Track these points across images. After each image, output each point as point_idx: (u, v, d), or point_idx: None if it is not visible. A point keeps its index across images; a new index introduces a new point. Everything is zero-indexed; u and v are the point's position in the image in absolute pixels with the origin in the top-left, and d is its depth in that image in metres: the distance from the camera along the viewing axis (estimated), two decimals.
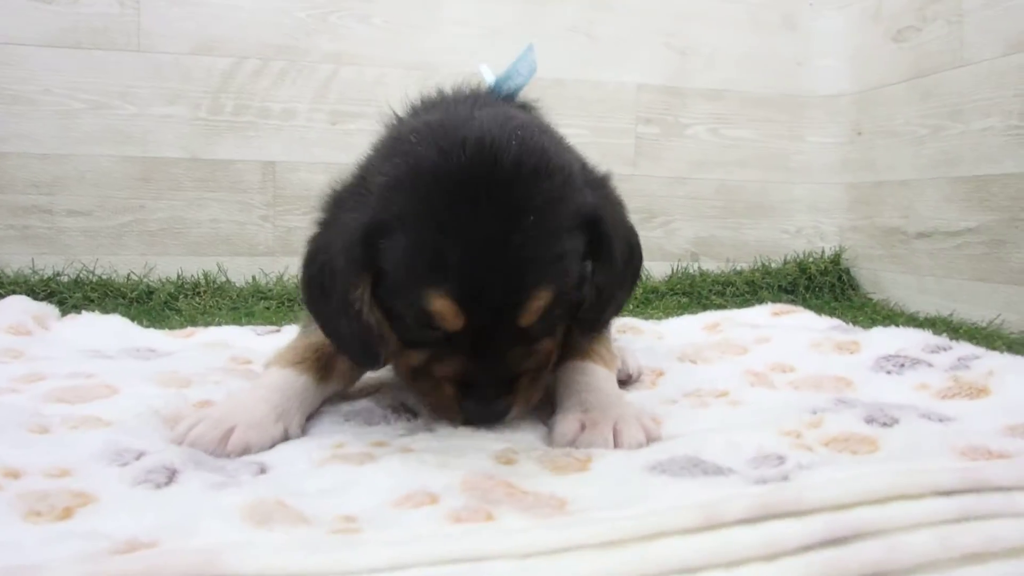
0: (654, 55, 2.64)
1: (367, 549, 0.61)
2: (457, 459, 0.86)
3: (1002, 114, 2.06)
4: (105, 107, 2.28)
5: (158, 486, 0.75)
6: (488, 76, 1.16)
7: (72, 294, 2.13)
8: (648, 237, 2.64)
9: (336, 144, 2.40)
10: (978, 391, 1.13)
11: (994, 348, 1.46)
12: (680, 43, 2.66)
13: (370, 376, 1.16)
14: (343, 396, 1.10)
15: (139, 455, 0.82)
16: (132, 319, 1.77)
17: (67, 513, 0.69)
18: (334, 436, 0.95)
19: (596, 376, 1.04)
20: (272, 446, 0.91)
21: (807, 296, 2.56)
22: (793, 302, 2.25)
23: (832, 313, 2.07)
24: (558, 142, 1.01)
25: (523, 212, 0.87)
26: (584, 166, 1.03)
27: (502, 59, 2.42)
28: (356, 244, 0.90)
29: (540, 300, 0.89)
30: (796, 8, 2.74)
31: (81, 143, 2.28)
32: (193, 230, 2.37)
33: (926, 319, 2.13)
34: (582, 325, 1.03)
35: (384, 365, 1.02)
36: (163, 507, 0.71)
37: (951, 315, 2.15)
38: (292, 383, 0.98)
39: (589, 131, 2.60)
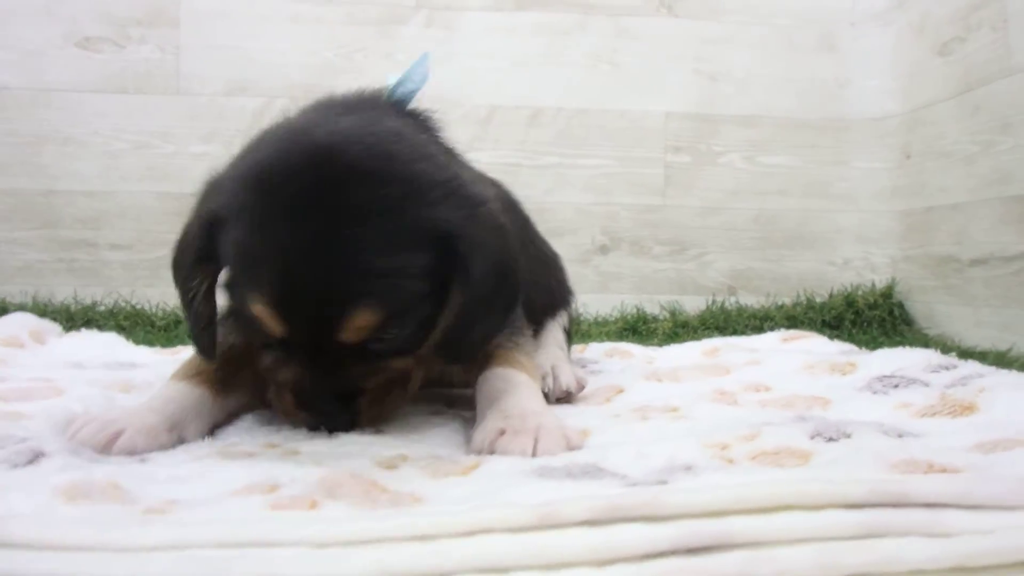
0: (682, 81, 2.57)
1: (155, 529, 0.59)
2: (337, 461, 0.82)
3: None
4: (146, 146, 2.42)
5: (14, 466, 0.75)
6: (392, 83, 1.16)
7: (107, 322, 2.22)
8: (680, 270, 2.54)
9: None
10: (963, 408, 1.05)
11: None
12: (710, 68, 2.58)
13: None
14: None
15: (21, 441, 0.82)
16: (151, 344, 1.83)
17: None
18: (231, 438, 0.94)
19: (516, 383, 1.00)
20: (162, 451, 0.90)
21: (853, 331, 2.38)
22: (839, 338, 2.09)
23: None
24: (424, 154, 0.96)
25: (350, 220, 0.84)
26: (459, 183, 0.95)
27: (525, 91, 2.48)
28: (196, 236, 0.92)
29: (361, 319, 0.85)
30: (835, 28, 2.61)
31: (124, 180, 2.41)
32: None
33: (980, 354, 1.89)
34: (445, 350, 0.97)
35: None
36: None
37: (1010, 349, 1.92)
38: (186, 396, 0.97)
39: (616, 161, 2.55)
